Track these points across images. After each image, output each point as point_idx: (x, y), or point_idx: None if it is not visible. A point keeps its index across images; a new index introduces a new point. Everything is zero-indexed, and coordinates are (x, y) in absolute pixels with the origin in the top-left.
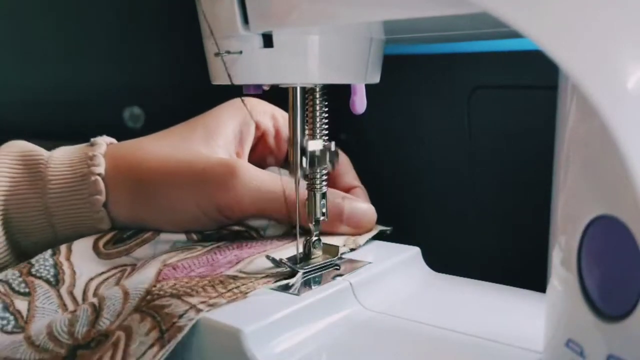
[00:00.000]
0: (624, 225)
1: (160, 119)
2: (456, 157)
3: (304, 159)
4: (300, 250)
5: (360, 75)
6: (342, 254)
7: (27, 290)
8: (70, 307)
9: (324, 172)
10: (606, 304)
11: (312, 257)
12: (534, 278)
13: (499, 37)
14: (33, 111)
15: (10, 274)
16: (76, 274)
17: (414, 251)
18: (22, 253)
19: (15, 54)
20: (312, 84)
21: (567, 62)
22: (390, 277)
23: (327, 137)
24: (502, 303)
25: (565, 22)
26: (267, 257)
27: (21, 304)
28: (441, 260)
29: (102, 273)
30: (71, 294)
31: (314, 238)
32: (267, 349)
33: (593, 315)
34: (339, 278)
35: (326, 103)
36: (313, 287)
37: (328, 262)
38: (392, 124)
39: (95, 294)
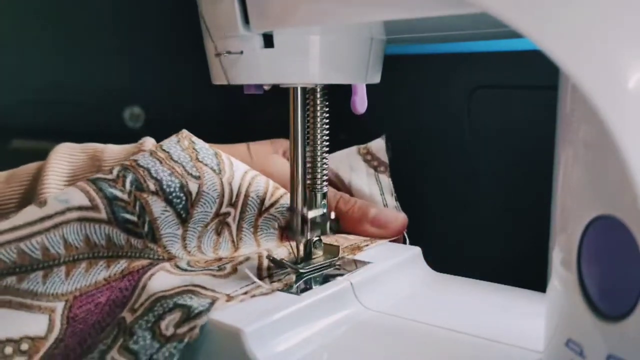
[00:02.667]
0: (624, 225)
1: (161, 118)
2: (456, 157)
3: (305, 228)
4: (302, 250)
5: (360, 75)
6: (343, 255)
7: (197, 174)
8: (227, 197)
9: (324, 171)
10: (606, 304)
11: (313, 257)
12: (534, 278)
13: (499, 37)
14: (33, 111)
15: (183, 156)
16: (233, 165)
17: (415, 251)
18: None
19: (15, 54)
20: (313, 84)
21: (567, 63)
22: (391, 277)
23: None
24: (502, 303)
25: (565, 22)
26: (268, 257)
27: (193, 186)
28: (441, 260)
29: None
30: (230, 185)
31: (315, 238)
32: (268, 349)
33: (593, 315)
34: (339, 278)
35: (327, 103)
36: (314, 287)
37: (329, 262)
38: (392, 124)
39: (247, 191)
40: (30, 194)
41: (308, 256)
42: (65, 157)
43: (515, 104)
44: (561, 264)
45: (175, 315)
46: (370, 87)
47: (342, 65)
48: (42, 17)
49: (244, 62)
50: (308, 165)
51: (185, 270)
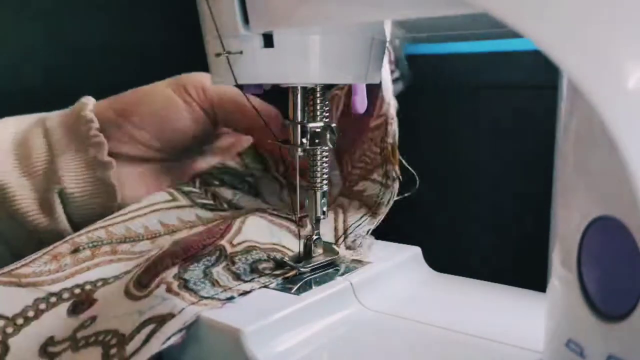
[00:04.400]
0: (624, 225)
1: None
2: (456, 157)
3: (305, 139)
4: (301, 249)
5: (361, 75)
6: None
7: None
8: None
9: (324, 171)
10: (606, 304)
11: (313, 255)
12: (534, 278)
13: (499, 37)
14: (33, 111)
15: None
16: None
17: (415, 251)
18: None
19: (15, 53)
20: (313, 84)
21: (567, 63)
22: (391, 276)
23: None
24: (502, 303)
25: (565, 22)
26: (269, 256)
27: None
28: (442, 260)
29: None
30: None
31: (315, 237)
32: (268, 349)
33: (593, 316)
34: (339, 278)
35: (327, 103)
36: (313, 286)
37: (329, 260)
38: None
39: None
40: None
41: (308, 255)
42: (10, 122)
43: (515, 104)
44: (561, 264)
45: (269, 264)
46: (370, 87)
47: (342, 65)
48: (42, 18)
49: (244, 62)
50: (308, 165)
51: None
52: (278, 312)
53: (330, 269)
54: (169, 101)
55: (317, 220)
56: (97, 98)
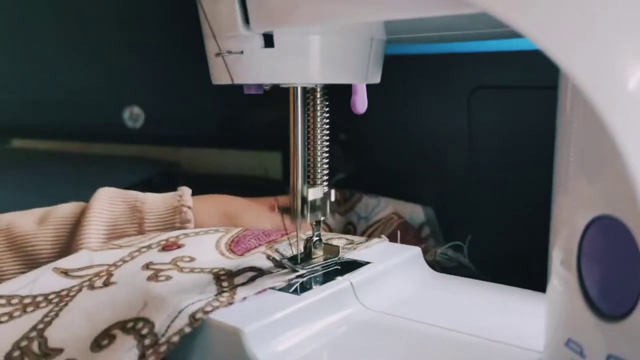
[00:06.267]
0: (624, 225)
1: (161, 118)
2: (456, 157)
3: (305, 208)
4: (301, 250)
5: (361, 75)
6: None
7: None
8: None
9: (325, 171)
10: (606, 303)
11: (313, 257)
12: (534, 278)
13: (499, 37)
14: (33, 111)
15: None
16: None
17: (415, 251)
18: None
19: (16, 53)
20: (313, 84)
21: (567, 63)
22: (391, 276)
23: (327, 184)
24: (502, 303)
25: (565, 22)
26: (268, 257)
27: None
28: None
29: None
30: None
31: (315, 238)
32: (268, 349)
33: (593, 315)
34: (339, 278)
35: (327, 103)
36: (314, 286)
37: (329, 262)
38: (392, 124)
39: None
40: (69, 240)
41: (308, 256)
42: (106, 206)
43: (515, 104)
44: (561, 264)
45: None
46: (370, 87)
47: (343, 65)
48: (43, 18)
49: (244, 62)
50: (308, 165)
51: None
52: (278, 312)
53: (330, 269)
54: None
55: (317, 222)
56: None
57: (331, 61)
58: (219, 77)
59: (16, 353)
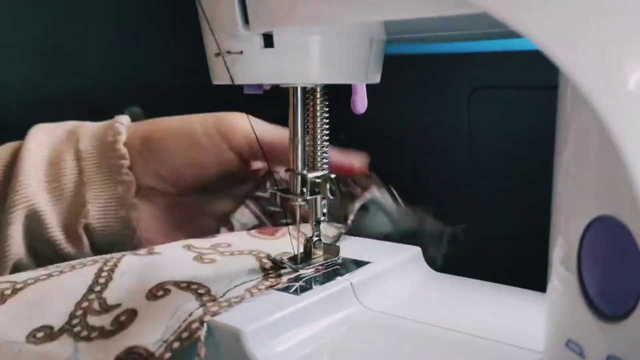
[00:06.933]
0: (624, 225)
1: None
2: (456, 157)
3: (304, 189)
4: (301, 250)
5: (360, 75)
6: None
7: None
8: None
9: (325, 171)
10: (606, 304)
11: (313, 257)
12: (534, 278)
13: (499, 37)
14: (33, 111)
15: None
16: None
17: (415, 251)
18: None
19: (16, 53)
20: (313, 84)
21: (567, 63)
22: (391, 276)
23: (327, 167)
24: (502, 303)
25: (565, 23)
26: (268, 257)
27: None
28: (442, 260)
29: None
30: None
31: (315, 238)
32: (268, 349)
33: (593, 316)
34: (339, 278)
35: (327, 103)
36: (314, 286)
37: (329, 262)
38: (392, 124)
39: None
40: (11, 169)
41: (308, 256)
42: (44, 133)
43: (515, 104)
44: (561, 264)
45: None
46: (370, 87)
47: (342, 65)
48: (43, 18)
49: (244, 62)
50: (308, 165)
51: None
52: (278, 312)
53: (330, 269)
54: (196, 141)
55: (317, 222)
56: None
57: (331, 61)
58: (219, 77)
59: (79, 312)
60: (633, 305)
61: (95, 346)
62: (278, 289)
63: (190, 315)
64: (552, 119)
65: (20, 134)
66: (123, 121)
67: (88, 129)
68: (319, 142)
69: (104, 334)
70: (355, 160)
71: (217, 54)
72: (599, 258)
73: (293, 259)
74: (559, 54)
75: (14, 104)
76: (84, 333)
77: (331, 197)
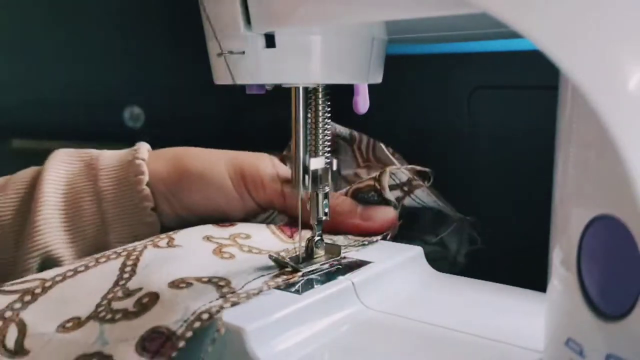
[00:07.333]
0: (623, 225)
1: (161, 118)
2: (456, 157)
3: (306, 177)
4: (303, 250)
5: (362, 75)
6: (346, 251)
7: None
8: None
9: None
10: (606, 303)
11: (315, 256)
12: (534, 278)
13: (499, 37)
14: (33, 111)
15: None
16: None
17: (416, 251)
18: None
19: (16, 53)
20: (315, 84)
21: (567, 63)
22: (392, 276)
23: (329, 154)
24: (502, 303)
25: (565, 23)
26: (270, 256)
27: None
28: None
29: None
30: None
31: (317, 238)
32: (269, 348)
33: (592, 315)
34: (341, 277)
35: (329, 103)
36: (315, 286)
37: (331, 261)
38: (393, 124)
39: None
40: (27, 202)
41: (309, 256)
42: (61, 165)
43: (515, 104)
44: (561, 264)
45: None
46: (372, 87)
47: (344, 65)
48: (43, 18)
49: (246, 62)
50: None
51: None
52: (279, 311)
53: (332, 268)
54: (224, 191)
55: (319, 222)
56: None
57: (333, 61)
58: (221, 77)
59: (104, 302)
60: (632, 305)
61: (120, 327)
62: (280, 289)
63: (210, 302)
64: (552, 119)
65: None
66: (143, 154)
67: (107, 163)
68: (320, 143)
69: (128, 315)
70: (378, 221)
71: (219, 54)
72: (599, 257)
73: (295, 258)
74: (559, 54)
75: (14, 104)
76: (109, 316)
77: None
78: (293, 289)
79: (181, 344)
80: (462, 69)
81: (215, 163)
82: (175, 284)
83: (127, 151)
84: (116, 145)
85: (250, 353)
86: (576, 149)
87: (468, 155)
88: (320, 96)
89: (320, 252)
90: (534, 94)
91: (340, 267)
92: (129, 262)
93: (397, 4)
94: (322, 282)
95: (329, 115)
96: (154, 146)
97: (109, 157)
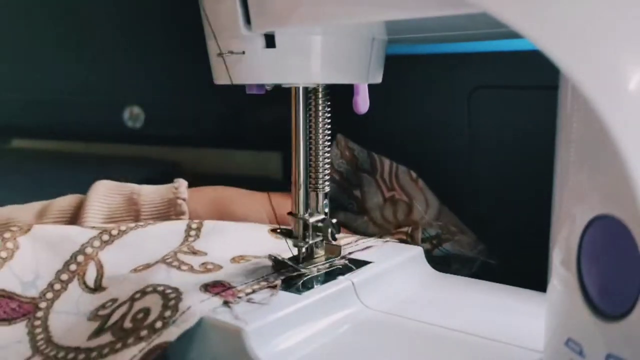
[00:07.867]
0: (623, 225)
1: (161, 119)
2: (456, 157)
3: (307, 233)
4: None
5: (362, 75)
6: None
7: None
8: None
9: (326, 171)
10: (605, 303)
11: (315, 256)
12: (534, 278)
13: (499, 37)
14: (33, 111)
15: (344, 166)
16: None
17: (416, 251)
18: None
19: (16, 53)
20: (315, 84)
21: (566, 63)
22: (392, 276)
23: (327, 212)
24: (502, 303)
25: (564, 22)
26: (270, 256)
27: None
28: (442, 259)
29: None
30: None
31: (317, 238)
32: (269, 347)
33: (592, 315)
34: (341, 277)
35: (329, 103)
36: (315, 286)
37: (331, 261)
38: (393, 124)
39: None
40: None
41: (310, 256)
42: (102, 198)
43: (515, 104)
44: (561, 264)
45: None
46: (372, 87)
47: (344, 65)
48: (43, 18)
49: (246, 62)
50: (310, 165)
51: None
52: (280, 311)
53: (332, 268)
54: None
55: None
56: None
57: (332, 61)
58: (221, 77)
59: (171, 253)
60: (632, 305)
61: (185, 275)
62: (281, 288)
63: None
64: (552, 119)
65: (20, 134)
66: (183, 193)
67: (149, 199)
68: (320, 143)
69: (193, 270)
70: None
71: (219, 54)
72: (599, 257)
73: (295, 258)
74: (559, 55)
75: (15, 104)
76: (175, 263)
77: (332, 242)
78: (293, 289)
79: (241, 296)
80: (462, 69)
81: (258, 211)
82: (235, 260)
83: (167, 188)
84: (116, 145)
85: (250, 352)
86: (576, 148)
87: (468, 155)
88: (320, 96)
89: (320, 252)
90: (534, 94)
91: (340, 267)
92: (193, 226)
93: (397, 4)
94: (322, 282)
95: (329, 115)
96: (154, 146)
97: (149, 193)
